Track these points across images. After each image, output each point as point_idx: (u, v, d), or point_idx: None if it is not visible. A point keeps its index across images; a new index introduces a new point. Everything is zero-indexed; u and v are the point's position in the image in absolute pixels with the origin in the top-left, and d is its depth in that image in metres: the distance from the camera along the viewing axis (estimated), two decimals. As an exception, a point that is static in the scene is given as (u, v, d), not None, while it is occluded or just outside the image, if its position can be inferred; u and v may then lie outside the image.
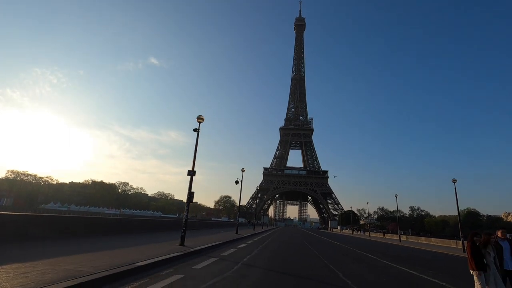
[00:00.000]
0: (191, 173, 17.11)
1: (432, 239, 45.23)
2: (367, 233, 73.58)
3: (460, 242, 32.19)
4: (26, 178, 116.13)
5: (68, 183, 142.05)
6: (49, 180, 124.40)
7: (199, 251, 14.46)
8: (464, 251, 30.10)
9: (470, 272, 7.00)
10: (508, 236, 7.84)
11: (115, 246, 13.27)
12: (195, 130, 17.93)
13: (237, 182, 34.29)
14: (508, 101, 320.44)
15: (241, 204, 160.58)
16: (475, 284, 6.85)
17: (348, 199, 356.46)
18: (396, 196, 47.30)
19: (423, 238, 49.26)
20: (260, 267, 11.15)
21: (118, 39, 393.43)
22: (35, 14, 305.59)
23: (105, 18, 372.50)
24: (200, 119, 18.14)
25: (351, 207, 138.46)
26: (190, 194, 16.88)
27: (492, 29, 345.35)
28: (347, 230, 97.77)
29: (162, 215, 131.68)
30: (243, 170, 34.87)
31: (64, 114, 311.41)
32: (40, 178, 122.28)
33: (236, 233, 31.83)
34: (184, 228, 16.03)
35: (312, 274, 10.43)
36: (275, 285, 8.29)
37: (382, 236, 65.92)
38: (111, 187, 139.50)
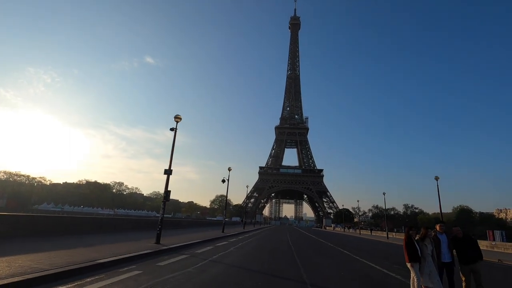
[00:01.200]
0: (168, 172, 17.34)
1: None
2: (359, 231, 74.23)
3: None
4: (19, 178, 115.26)
5: (62, 183, 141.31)
6: (43, 181, 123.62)
7: (173, 249, 14.70)
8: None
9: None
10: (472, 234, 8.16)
11: (88, 244, 13.48)
12: (172, 129, 18.11)
13: (223, 181, 34.53)
14: (504, 100, 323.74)
15: (236, 203, 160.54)
16: (411, 275, 7.18)
17: (344, 197, 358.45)
18: (384, 194, 48.10)
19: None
20: (225, 263, 11.44)
21: (113, 38, 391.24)
22: (28, 13, 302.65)
23: (100, 16, 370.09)
24: (177, 118, 18.33)
25: (343, 206, 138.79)
26: (167, 193, 17.14)
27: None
28: (339, 228, 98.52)
29: (157, 214, 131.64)
30: (229, 169, 35.16)
31: (58, 114, 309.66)
32: (33, 178, 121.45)
33: (222, 231, 32.12)
34: (159, 227, 16.26)
35: (274, 269, 10.73)
36: (230, 279, 8.56)
37: (369, 233, 66.61)
38: (105, 187, 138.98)
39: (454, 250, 7.50)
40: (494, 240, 45.53)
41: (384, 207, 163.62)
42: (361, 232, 70.16)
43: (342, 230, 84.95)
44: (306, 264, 12.55)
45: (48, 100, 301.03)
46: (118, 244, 14.44)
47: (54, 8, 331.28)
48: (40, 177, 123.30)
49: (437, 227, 7.78)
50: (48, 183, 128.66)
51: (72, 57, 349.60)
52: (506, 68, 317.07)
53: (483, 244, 32.81)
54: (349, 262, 14.50)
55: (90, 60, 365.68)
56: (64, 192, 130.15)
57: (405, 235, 7.44)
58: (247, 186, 59.66)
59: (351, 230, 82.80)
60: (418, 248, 7.32)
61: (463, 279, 7.33)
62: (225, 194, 39.38)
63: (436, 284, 7.12)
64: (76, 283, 7.02)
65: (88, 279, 7.47)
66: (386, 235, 46.58)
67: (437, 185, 32.09)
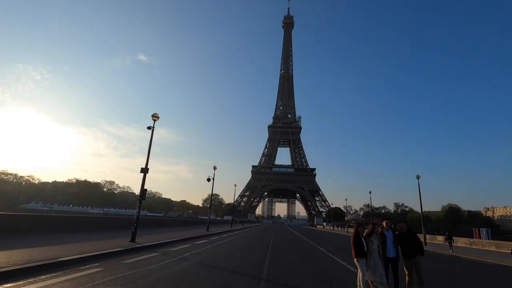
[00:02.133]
0: (144, 170, 17.38)
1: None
2: (346, 229, 75.05)
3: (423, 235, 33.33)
4: (6, 177, 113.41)
5: (51, 182, 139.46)
6: (31, 179, 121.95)
7: (146, 247, 14.80)
8: (425, 244, 31.35)
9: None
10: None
11: (61, 242, 13.50)
12: (149, 128, 18.17)
13: (208, 180, 34.62)
14: (489, 102, 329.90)
15: (229, 202, 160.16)
16: (358, 269, 7.46)
17: (338, 196, 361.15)
18: (370, 192, 48.88)
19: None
20: (193, 261, 11.60)
21: (106, 34, 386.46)
22: (16, 8, 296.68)
23: (91, 13, 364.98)
24: (155, 117, 18.42)
25: (332, 204, 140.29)
26: (143, 192, 17.17)
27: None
28: (329, 227, 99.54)
29: (148, 213, 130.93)
30: (215, 168, 35.25)
31: (48, 112, 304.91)
32: (21, 177, 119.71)
33: (207, 230, 32.25)
34: (135, 225, 16.32)
35: (239, 266, 10.93)
36: (187, 275, 8.71)
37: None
38: (95, 186, 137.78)
39: (399, 246, 7.80)
40: (480, 237, 46.64)
41: (374, 206, 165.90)
42: (349, 230, 71.03)
43: (331, 228, 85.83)
44: (275, 261, 12.80)
45: (37, 97, 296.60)
46: (92, 242, 14.49)
47: (42, 4, 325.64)
48: (28, 176, 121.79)
49: (384, 224, 8.06)
50: (36, 181, 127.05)
51: (63, 54, 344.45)
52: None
53: (462, 241, 33.60)
54: (319, 259, 14.80)
55: (82, 57, 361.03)
56: (53, 191, 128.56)
57: (353, 232, 7.71)
58: (235, 185, 59.57)
59: (339, 228, 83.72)
60: (365, 244, 7.62)
61: (406, 272, 7.65)
62: (211, 193, 39.47)
63: (380, 278, 7.42)
64: (28, 280, 7.10)
65: (43, 276, 7.55)
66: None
67: (418, 184, 32.70)
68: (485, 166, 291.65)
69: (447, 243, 26.17)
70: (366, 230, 7.88)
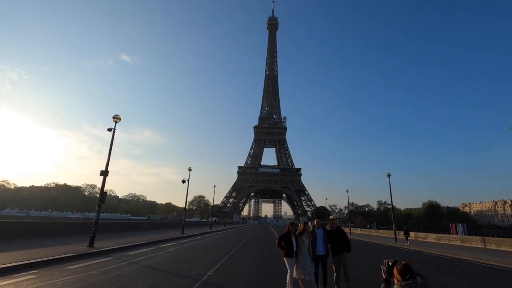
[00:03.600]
0: (104, 173, 17.08)
1: (380, 230, 48.07)
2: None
3: (393, 232, 34.27)
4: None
5: (28, 187, 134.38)
6: (6, 184, 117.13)
7: (103, 252, 14.51)
8: (396, 241, 32.23)
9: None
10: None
11: (9, 249, 13.03)
12: (109, 129, 17.87)
13: (183, 181, 34.30)
14: (471, 95, 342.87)
15: (215, 204, 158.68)
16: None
17: (324, 195, 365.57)
18: (347, 191, 49.46)
19: (373, 230, 51.98)
20: (142, 265, 11.50)
21: (86, 34, 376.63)
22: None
23: (71, 11, 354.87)
24: (116, 118, 18.14)
25: (315, 204, 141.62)
26: (102, 195, 16.86)
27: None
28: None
29: (131, 217, 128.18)
30: (189, 170, 34.99)
31: (28, 113, 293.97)
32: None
33: (182, 232, 31.94)
34: (93, 230, 16.02)
35: (186, 268, 10.87)
36: (126, 280, 8.61)
37: None
38: (75, 190, 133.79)
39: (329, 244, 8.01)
40: (456, 232, 48.30)
41: (358, 204, 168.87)
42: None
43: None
44: (231, 262, 12.85)
45: (15, 98, 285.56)
46: (46, 248, 14.07)
47: (19, 1, 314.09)
48: (3, 181, 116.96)
49: (315, 222, 8.26)
50: (12, 186, 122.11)
51: (41, 54, 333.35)
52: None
53: (432, 237, 34.76)
54: (274, 257, 14.93)
55: (62, 58, 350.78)
56: (31, 196, 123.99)
57: (285, 231, 7.82)
58: (214, 186, 59.31)
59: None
60: (294, 244, 7.77)
61: (335, 269, 7.85)
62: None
63: (309, 276, 7.60)
64: None
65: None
66: (349, 231, 48.07)
67: (389, 182, 33.58)
68: (465, 162, 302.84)
69: (405, 237, 29.50)
70: (299, 229, 8.06)
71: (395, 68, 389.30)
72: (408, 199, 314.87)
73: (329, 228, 8.16)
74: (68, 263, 11.15)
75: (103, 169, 16.94)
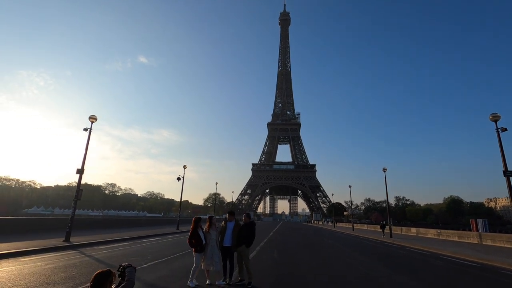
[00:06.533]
0: (80, 171, 17.98)
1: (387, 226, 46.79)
2: (339, 224, 75.31)
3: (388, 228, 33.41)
4: (8, 183, 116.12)
5: (53, 186, 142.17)
6: (32, 184, 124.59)
7: (73, 246, 15.34)
8: (390, 236, 31.45)
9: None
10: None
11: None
12: (85, 129, 18.72)
13: (178, 179, 35.12)
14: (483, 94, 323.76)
15: (230, 201, 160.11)
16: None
17: (340, 191, 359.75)
18: (350, 186, 48.57)
19: (378, 226, 50.66)
20: (96, 258, 12.15)
21: (105, 38, 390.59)
22: (17, 15, 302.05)
23: (90, 16, 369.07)
24: (92, 118, 18.97)
25: (332, 200, 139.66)
26: (78, 192, 17.76)
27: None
28: (321, 222, 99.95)
29: (148, 214, 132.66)
30: (184, 167, 35.79)
31: (53, 116, 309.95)
32: (23, 182, 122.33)
33: (177, 229, 32.81)
34: (69, 225, 16.93)
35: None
36: (56, 270, 9.20)
37: (333, 226, 68.98)
38: (96, 188, 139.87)
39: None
40: (477, 229, 46.11)
41: (377, 200, 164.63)
42: (336, 225, 71.81)
43: (321, 223, 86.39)
44: (179, 259, 13.21)
45: (42, 102, 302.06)
46: (18, 242, 15.05)
47: (41, 11, 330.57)
48: (30, 181, 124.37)
49: (227, 216, 8.46)
50: (38, 186, 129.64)
51: (64, 58, 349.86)
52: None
53: (431, 233, 33.54)
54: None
55: (83, 61, 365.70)
56: (55, 195, 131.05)
57: (192, 227, 8.06)
58: (216, 183, 60.15)
59: (329, 223, 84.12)
60: (203, 238, 8.01)
61: (238, 261, 8.05)
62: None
63: (215, 266, 7.88)
64: None
65: None
66: (351, 226, 47.31)
67: (385, 177, 32.76)
68: (489, 157, 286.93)
69: (381, 230, 32.59)
70: (208, 224, 8.31)
71: (416, 60, 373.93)
72: (428, 194, 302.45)
73: (242, 222, 8.32)
74: (28, 256, 12.02)
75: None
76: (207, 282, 7.87)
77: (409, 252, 18.53)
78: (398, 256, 16.17)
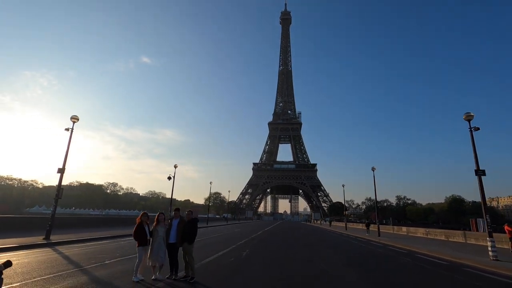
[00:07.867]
0: (61, 170, 18.34)
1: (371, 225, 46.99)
2: (337, 223, 75.29)
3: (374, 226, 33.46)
4: (10, 182, 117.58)
5: (55, 185, 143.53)
6: (34, 184, 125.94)
7: (50, 244, 15.66)
8: (378, 235, 31.51)
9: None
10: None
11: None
12: (67, 129, 19.06)
13: (169, 178, 35.48)
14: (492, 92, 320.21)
15: (231, 200, 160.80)
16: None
17: (341, 190, 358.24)
18: (343, 186, 48.55)
19: (372, 225, 50.69)
20: (63, 254, 12.44)
21: (108, 38, 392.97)
22: (21, 16, 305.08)
23: (93, 17, 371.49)
24: (74, 118, 19.31)
25: (329, 199, 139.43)
26: (58, 191, 18.13)
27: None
28: (318, 221, 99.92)
29: (148, 213, 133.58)
30: (175, 166, 36.11)
31: (56, 116, 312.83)
32: (25, 182, 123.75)
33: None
34: (49, 223, 17.28)
35: (93, 257, 11.68)
36: (32, 265, 9.50)
37: (329, 225, 69.31)
38: (98, 188, 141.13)
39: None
40: (477, 228, 45.68)
41: (378, 200, 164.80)
42: (331, 224, 71.91)
43: (318, 223, 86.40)
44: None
45: (46, 103, 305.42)
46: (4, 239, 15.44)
47: (44, 11, 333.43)
48: (32, 180, 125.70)
49: (173, 213, 8.69)
50: (40, 186, 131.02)
51: (67, 59, 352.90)
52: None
53: (420, 232, 33.57)
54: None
55: (85, 61, 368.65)
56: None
57: (137, 222, 8.31)
58: (210, 183, 60.45)
59: (326, 222, 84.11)
60: (148, 234, 8.26)
61: (184, 257, 8.28)
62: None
63: (160, 261, 8.12)
64: None
65: None
66: (344, 226, 47.35)
67: (373, 176, 32.74)
68: (494, 156, 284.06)
69: (366, 228, 35.06)
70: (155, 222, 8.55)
71: (415, 59, 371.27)
72: (429, 194, 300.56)
73: (186, 219, 8.54)
74: (5, 252, 12.41)
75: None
76: (153, 277, 8.11)
77: (387, 251, 18.72)
78: (372, 255, 16.31)
